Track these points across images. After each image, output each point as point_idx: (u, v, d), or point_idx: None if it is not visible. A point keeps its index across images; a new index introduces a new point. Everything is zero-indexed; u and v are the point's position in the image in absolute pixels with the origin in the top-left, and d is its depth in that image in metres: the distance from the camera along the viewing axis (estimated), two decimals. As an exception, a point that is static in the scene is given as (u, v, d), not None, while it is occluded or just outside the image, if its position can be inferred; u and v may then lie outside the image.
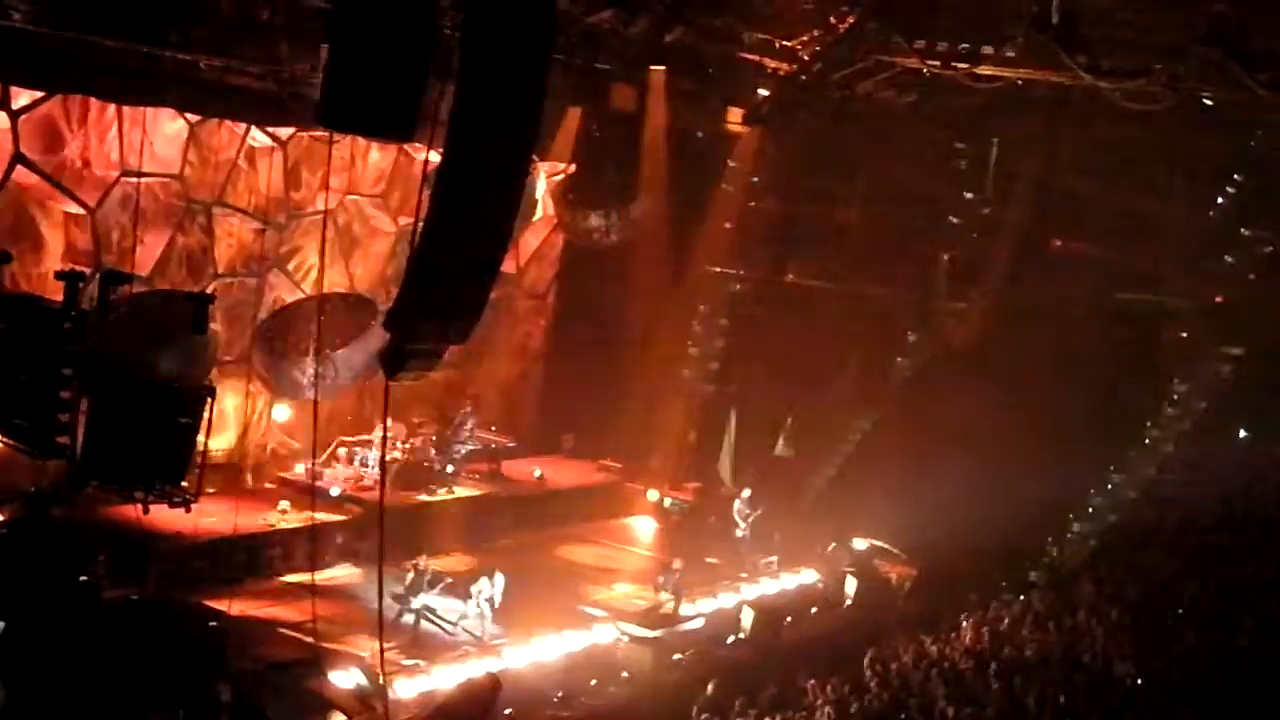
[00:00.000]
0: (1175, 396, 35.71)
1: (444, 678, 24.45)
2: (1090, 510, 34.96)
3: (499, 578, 26.63)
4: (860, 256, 38.40)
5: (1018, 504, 33.97)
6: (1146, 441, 35.48)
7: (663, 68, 34.05)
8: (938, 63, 32.11)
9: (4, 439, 24.85)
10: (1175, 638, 29.87)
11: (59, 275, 24.23)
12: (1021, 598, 32.37)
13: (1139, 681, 27.30)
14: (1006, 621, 30.71)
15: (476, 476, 33.90)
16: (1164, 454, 35.50)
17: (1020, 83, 35.50)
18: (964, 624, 30.12)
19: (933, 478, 34.85)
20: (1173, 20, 29.38)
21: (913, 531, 33.90)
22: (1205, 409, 35.54)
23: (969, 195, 38.41)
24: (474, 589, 26.41)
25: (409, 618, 26.24)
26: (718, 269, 39.16)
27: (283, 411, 32.20)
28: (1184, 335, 36.16)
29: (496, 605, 26.48)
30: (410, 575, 26.30)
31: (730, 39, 34.42)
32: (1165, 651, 29.03)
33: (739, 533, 33.37)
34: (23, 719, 19.77)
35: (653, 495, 36.84)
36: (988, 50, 31.00)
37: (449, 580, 26.94)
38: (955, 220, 38.53)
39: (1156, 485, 36.06)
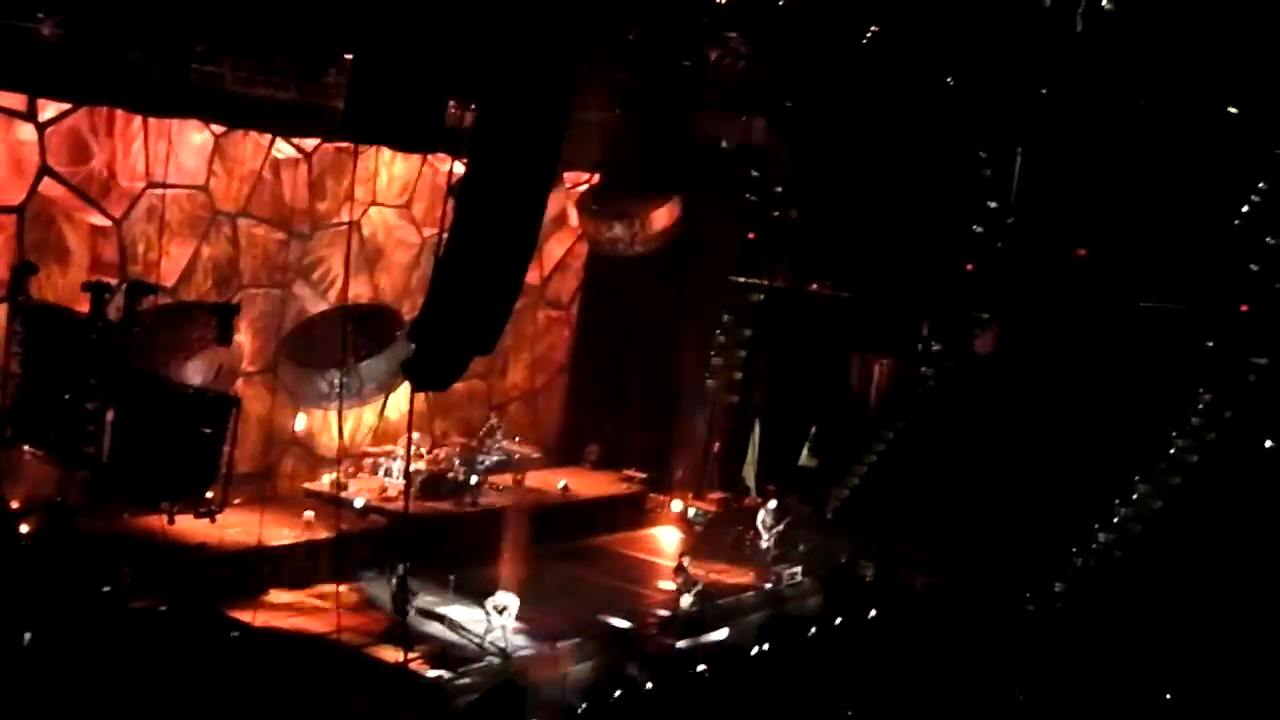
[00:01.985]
0: (1200, 406, 35.54)
1: (468, 688, 24.46)
2: (1115, 521, 34.78)
3: (513, 598, 26.58)
4: (883, 266, 38.31)
5: (1042, 514, 33.85)
6: (1171, 451, 35.30)
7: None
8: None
9: (31, 449, 25.00)
10: (1201, 649, 29.71)
11: (85, 286, 24.44)
12: (1046, 607, 32.24)
13: (1168, 695, 27.17)
14: (1033, 631, 30.61)
15: (500, 488, 33.88)
16: (1189, 464, 35.31)
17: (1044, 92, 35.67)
18: (990, 633, 30.00)
19: (957, 487, 34.78)
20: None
21: (938, 541, 33.77)
22: (1230, 418, 35.37)
23: (992, 204, 38.33)
24: (490, 603, 26.38)
25: (425, 624, 26.23)
26: (741, 279, 39.17)
27: (306, 423, 32.23)
28: (1209, 344, 35.93)
29: (514, 617, 26.43)
30: (394, 581, 26.30)
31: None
32: (1192, 664, 28.90)
33: (763, 543, 33.32)
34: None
35: (677, 506, 36.82)
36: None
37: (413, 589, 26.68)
38: (978, 229, 38.44)
39: (1181, 495, 35.86)
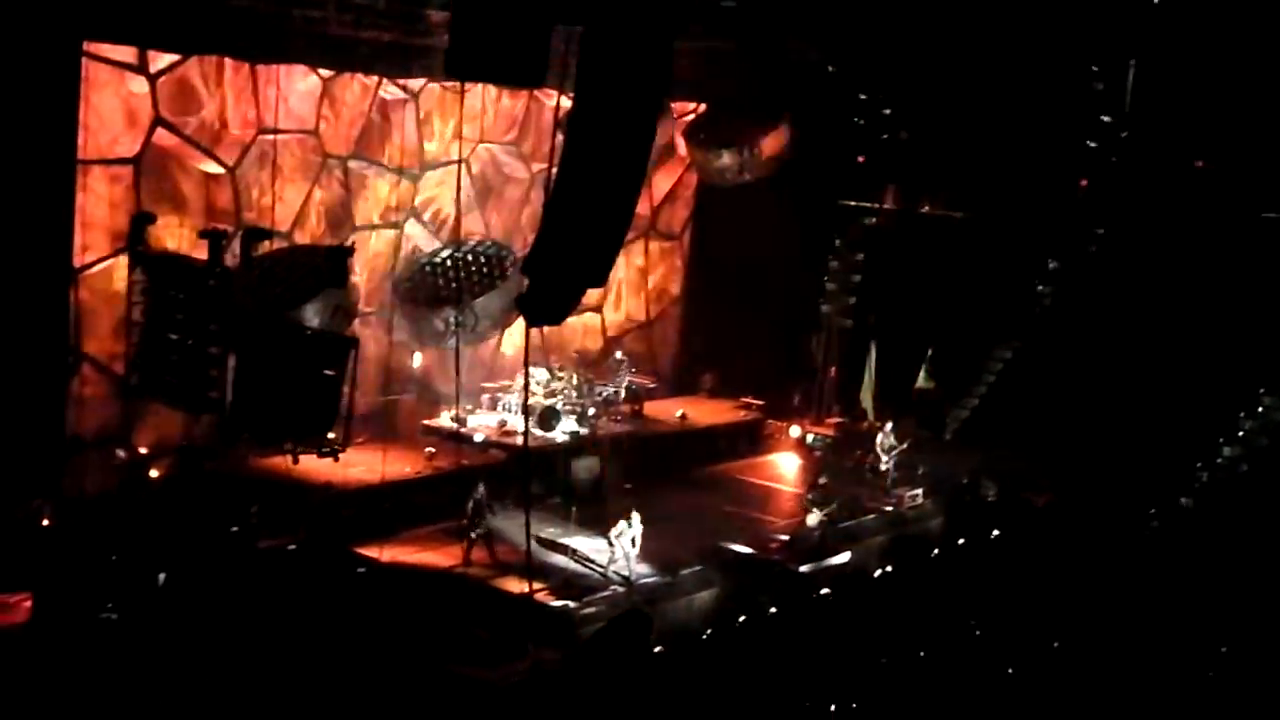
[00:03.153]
0: (1326, 315, 34.95)
1: (594, 617, 24.68)
2: (1240, 434, 34.38)
3: (635, 519, 26.72)
4: (997, 185, 37.91)
5: (1165, 429, 33.54)
6: (1297, 361, 34.81)
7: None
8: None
9: (156, 396, 25.45)
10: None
11: (202, 234, 24.83)
12: (1170, 523, 31.99)
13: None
14: (1158, 547, 30.38)
15: (619, 418, 34.02)
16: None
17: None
18: (1114, 549, 29.82)
19: (1077, 405, 34.53)
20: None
21: (1059, 459, 33.55)
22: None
23: (1106, 119, 37.81)
24: (613, 532, 26.55)
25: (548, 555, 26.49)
26: (852, 203, 38.94)
27: (424, 360, 32.50)
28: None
29: (637, 546, 26.57)
30: (470, 504, 26.62)
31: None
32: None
33: (883, 466, 33.25)
34: (185, 665, 20.26)
35: (795, 431, 36.82)
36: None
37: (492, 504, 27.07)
38: (1092, 144, 37.95)
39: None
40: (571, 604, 24.96)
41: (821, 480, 30.82)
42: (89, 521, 23.85)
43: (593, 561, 26.79)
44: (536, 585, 24.64)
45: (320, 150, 30.33)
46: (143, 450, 26.64)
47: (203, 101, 28.06)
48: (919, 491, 32.89)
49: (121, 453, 26.52)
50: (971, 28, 35.85)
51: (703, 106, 36.97)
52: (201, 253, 24.56)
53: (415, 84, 31.34)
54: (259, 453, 26.68)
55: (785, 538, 29.48)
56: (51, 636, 21.13)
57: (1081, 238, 38.38)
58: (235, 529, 24.28)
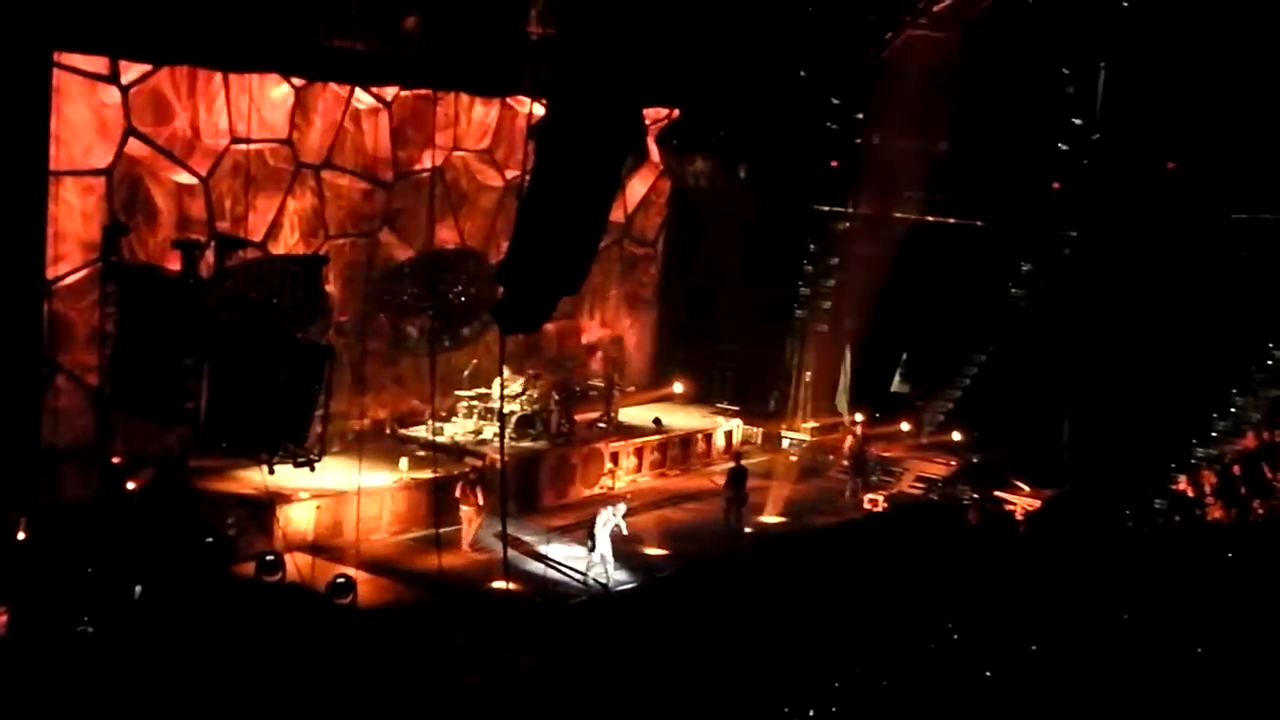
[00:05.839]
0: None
1: (572, 622, 24.67)
2: (1214, 435, 34.52)
3: (620, 507, 26.74)
4: (969, 188, 38.03)
5: (1140, 430, 33.64)
6: (1269, 362, 34.96)
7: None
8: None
9: (130, 408, 25.39)
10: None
11: (175, 244, 24.80)
12: (1147, 524, 32.08)
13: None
14: (1135, 549, 30.44)
15: (594, 425, 34.03)
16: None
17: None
18: (1092, 551, 29.88)
19: (1052, 406, 34.65)
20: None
21: (1036, 461, 33.66)
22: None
23: (1077, 121, 37.97)
24: (599, 520, 26.55)
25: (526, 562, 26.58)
26: (826, 208, 39.01)
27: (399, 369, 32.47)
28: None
29: (624, 531, 26.58)
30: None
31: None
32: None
33: (857, 470, 33.32)
34: (162, 678, 20.20)
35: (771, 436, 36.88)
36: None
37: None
38: (1064, 147, 38.10)
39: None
40: (549, 609, 24.94)
41: (740, 462, 30.83)
42: (65, 534, 23.75)
43: (570, 568, 26.80)
44: (514, 591, 24.65)
45: (293, 159, 30.27)
46: (118, 461, 26.57)
47: (175, 111, 28.01)
48: (894, 495, 32.97)
49: (97, 465, 26.44)
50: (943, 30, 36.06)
51: (676, 112, 36.99)
52: (175, 264, 24.54)
53: (388, 92, 31.31)
54: (235, 463, 26.65)
55: (761, 542, 29.51)
56: (27, 650, 21.04)
57: (1054, 240, 38.52)
58: (211, 540, 24.23)
